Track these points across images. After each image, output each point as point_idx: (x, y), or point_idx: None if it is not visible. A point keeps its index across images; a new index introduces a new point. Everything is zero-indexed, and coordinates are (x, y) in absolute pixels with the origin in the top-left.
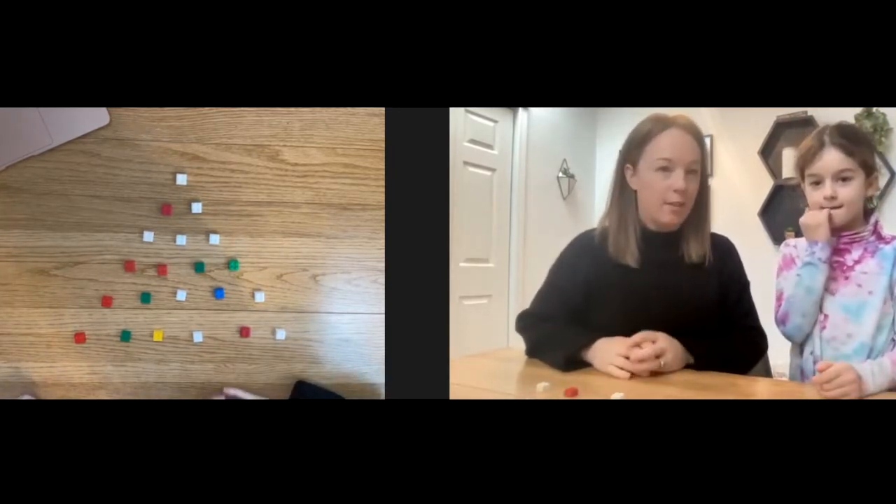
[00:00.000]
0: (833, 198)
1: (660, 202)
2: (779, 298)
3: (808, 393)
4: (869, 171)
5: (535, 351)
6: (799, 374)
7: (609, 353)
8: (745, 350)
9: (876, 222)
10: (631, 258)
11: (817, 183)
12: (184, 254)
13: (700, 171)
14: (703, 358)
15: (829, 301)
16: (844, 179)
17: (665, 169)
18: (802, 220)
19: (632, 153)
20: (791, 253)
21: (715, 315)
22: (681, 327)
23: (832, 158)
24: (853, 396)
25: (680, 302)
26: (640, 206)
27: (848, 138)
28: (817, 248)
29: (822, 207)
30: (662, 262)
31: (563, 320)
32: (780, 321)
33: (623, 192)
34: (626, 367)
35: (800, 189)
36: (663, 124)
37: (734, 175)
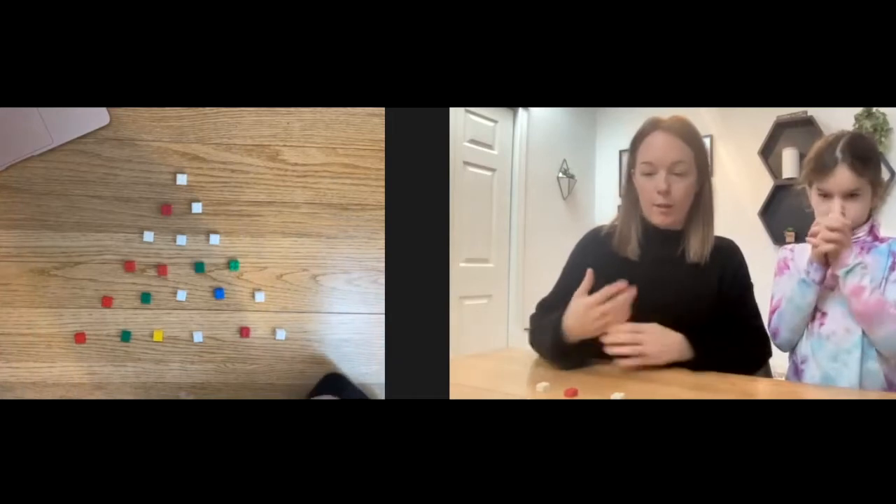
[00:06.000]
0: (841, 214)
1: (650, 204)
2: (772, 302)
3: (808, 393)
4: (876, 187)
5: (531, 342)
6: (793, 373)
7: (583, 315)
8: (751, 351)
9: (872, 225)
10: (631, 252)
11: (826, 196)
12: (184, 254)
13: (692, 172)
14: (704, 355)
15: (828, 298)
16: (853, 196)
17: (650, 172)
18: (813, 238)
19: (631, 157)
20: (787, 257)
21: (711, 313)
22: (676, 321)
23: (844, 178)
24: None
25: (676, 297)
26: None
27: (860, 157)
28: (812, 269)
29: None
30: (662, 257)
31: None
32: (772, 334)
33: (629, 193)
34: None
35: (805, 194)
36: (651, 127)
37: (734, 175)
